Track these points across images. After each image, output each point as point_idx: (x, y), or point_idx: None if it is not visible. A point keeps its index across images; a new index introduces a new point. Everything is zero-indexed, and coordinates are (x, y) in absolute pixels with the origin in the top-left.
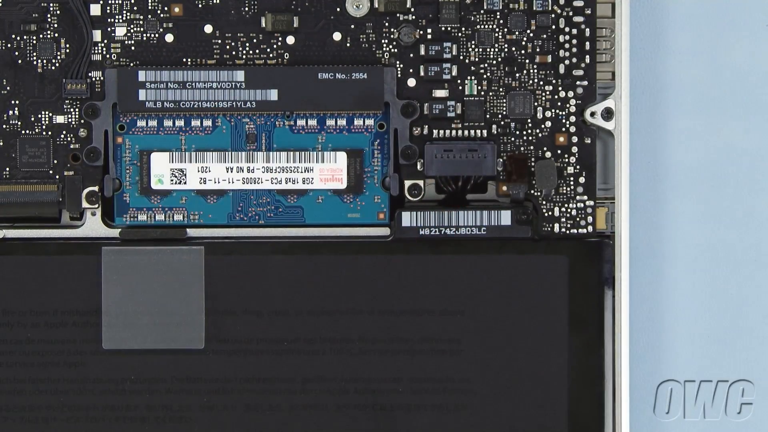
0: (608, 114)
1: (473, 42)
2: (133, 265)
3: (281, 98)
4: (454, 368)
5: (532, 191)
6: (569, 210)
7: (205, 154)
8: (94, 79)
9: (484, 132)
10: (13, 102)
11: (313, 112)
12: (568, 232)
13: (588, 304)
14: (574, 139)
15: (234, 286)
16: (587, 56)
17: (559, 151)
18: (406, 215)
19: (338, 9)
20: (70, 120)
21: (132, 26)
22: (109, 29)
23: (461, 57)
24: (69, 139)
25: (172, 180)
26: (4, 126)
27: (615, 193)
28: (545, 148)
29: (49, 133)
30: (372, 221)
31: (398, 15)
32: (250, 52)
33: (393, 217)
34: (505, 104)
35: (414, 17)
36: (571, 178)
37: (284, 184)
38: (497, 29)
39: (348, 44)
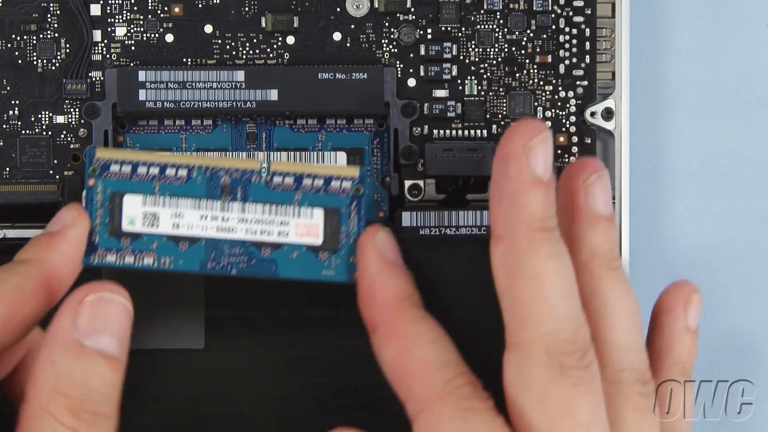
0: (608, 114)
1: (473, 42)
2: None
3: (281, 98)
4: None
5: None
6: None
7: (179, 200)
8: (94, 79)
9: (484, 132)
10: (13, 102)
11: (314, 112)
12: None
13: None
14: (574, 139)
15: (234, 286)
16: (587, 56)
17: (559, 151)
18: (406, 215)
19: (338, 9)
20: (70, 120)
21: (132, 26)
22: (109, 29)
23: (461, 57)
24: (69, 139)
25: (144, 223)
26: (4, 126)
27: (615, 193)
28: None
29: (49, 133)
30: (345, 280)
31: (398, 15)
32: (250, 52)
33: (393, 217)
34: (505, 104)
35: (414, 17)
36: None
37: (259, 236)
38: (497, 29)
39: (348, 44)
